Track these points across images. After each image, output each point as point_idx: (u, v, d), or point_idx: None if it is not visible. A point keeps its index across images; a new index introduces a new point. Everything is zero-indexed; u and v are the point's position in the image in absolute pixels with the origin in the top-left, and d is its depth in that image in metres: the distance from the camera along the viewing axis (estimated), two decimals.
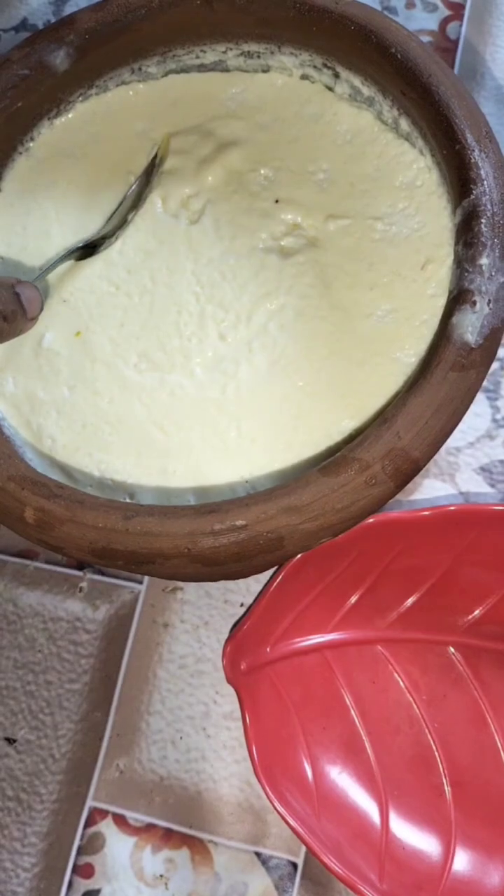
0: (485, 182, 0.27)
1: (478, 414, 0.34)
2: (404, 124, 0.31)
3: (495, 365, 0.35)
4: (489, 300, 0.26)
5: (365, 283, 0.30)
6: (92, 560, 0.27)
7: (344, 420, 0.29)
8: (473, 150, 0.27)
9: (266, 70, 0.33)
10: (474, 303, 0.26)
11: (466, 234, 0.27)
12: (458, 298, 0.27)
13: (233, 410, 0.29)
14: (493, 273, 0.26)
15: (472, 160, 0.27)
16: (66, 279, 0.32)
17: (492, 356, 0.27)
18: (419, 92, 0.29)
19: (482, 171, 0.27)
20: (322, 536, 0.26)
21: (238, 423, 0.29)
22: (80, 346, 0.31)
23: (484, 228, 0.27)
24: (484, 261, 0.26)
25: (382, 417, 0.26)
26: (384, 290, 0.30)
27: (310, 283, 0.30)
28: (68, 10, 0.42)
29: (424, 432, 0.26)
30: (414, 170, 0.31)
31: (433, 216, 0.30)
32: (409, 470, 0.26)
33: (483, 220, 0.27)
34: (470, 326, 0.26)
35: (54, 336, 0.31)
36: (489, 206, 0.27)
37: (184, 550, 0.25)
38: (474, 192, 0.27)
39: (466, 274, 0.27)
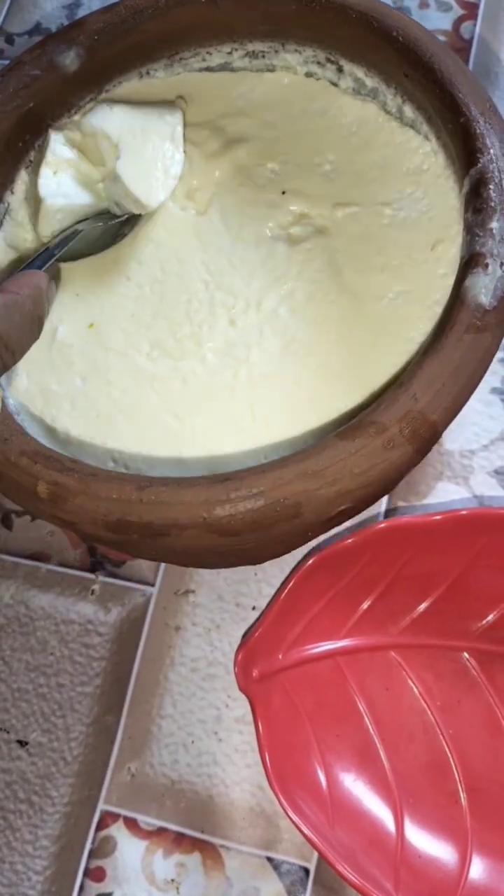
0: (491, 150, 0.27)
1: (492, 416, 0.34)
2: (408, 111, 0.31)
3: None
4: (501, 262, 0.26)
5: (375, 266, 0.30)
6: (106, 535, 0.26)
7: (358, 401, 0.29)
8: (478, 122, 0.28)
9: (272, 70, 0.34)
10: (486, 265, 0.26)
11: (475, 202, 0.27)
12: (469, 262, 0.27)
13: (246, 394, 0.29)
14: None
15: (478, 131, 0.28)
16: (79, 274, 0.32)
17: None
18: (422, 72, 0.29)
19: (488, 141, 0.27)
20: (341, 503, 0.25)
21: (251, 407, 0.29)
22: (93, 338, 0.31)
23: (493, 193, 0.27)
24: (494, 224, 0.26)
25: (399, 381, 0.26)
26: (394, 273, 0.30)
27: (319, 268, 0.30)
28: (82, 14, 0.42)
29: (442, 395, 0.25)
30: (420, 154, 0.31)
31: (441, 198, 0.30)
32: (427, 434, 0.25)
33: (492, 186, 0.27)
34: (483, 288, 0.26)
35: (68, 329, 0.31)
36: (496, 173, 0.27)
37: (199, 520, 0.25)
38: (481, 160, 0.27)
39: (477, 238, 0.27)
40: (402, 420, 0.25)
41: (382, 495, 0.28)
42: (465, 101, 0.28)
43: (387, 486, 0.26)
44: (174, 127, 0.33)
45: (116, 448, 0.30)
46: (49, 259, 0.30)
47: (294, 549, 0.32)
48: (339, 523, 0.31)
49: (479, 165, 0.27)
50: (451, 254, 0.29)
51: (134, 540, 0.26)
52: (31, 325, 0.28)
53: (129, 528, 0.26)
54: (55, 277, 0.32)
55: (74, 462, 0.27)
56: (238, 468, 0.28)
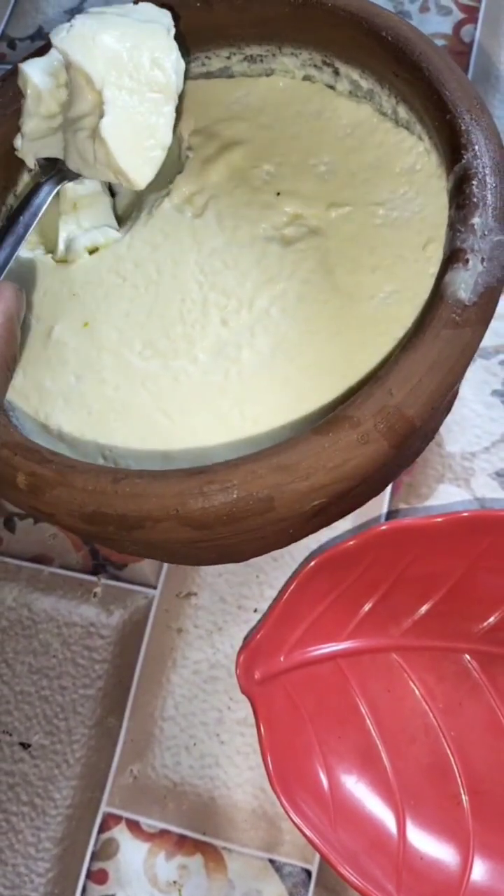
0: (475, 147, 0.27)
1: (493, 419, 0.34)
2: (402, 112, 0.31)
3: None
4: (482, 258, 0.26)
5: (367, 266, 0.30)
6: (83, 527, 0.27)
7: (347, 401, 0.29)
8: (463, 118, 0.28)
9: (269, 74, 0.34)
10: (467, 261, 0.26)
11: (458, 198, 0.27)
12: (450, 258, 0.27)
13: (236, 393, 0.30)
14: (486, 232, 0.26)
15: (463, 127, 0.28)
16: (77, 274, 0.32)
17: (488, 315, 0.26)
18: (410, 70, 0.29)
19: (473, 137, 0.27)
20: (315, 498, 0.25)
21: (241, 406, 0.29)
22: (88, 336, 0.32)
23: (475, 189, 0.27)
24: (476, 220, 0.26)
25: (375, 377, 0.26)
26: (386, 272, 0.30)
27: (311, 268, 0.31)
28: None
29: (418, 390, 0.25)
30: (413, 155, 0.31)
31: (433, 198, 0.30)
32: (403, 429, 0.25)
33: (474, 182, 0.27)
34: (463, 284, 0.26)
35: (63, 328, 0.32)
36: (480, 169, 0.27)
37: (172, 512, 0.25)
38: (465, 156, 0.27)
39: (459, 234, 0.27)
40: (377, 415, 0.25)
41: (360, 491, 0.27)
42: (451, 99, 0.28)
43: (363, 482, 0.26)
44: (169, 45, 0.29)
45: (108, 445, 0.30)
46: (18, 242, 0.29)
47: (278, 546, 0.32)
48: (326, 522, 0.31)
49: (463, 162, 0.27)
50: (441, 253, 0.29)
51: (110, 532, 0.26)
52: (2, 373, 0.27)
53: (105, 519, 0.26)
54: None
55: (54, 454, 0.27)
56: None
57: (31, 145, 0.32)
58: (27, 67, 0.30)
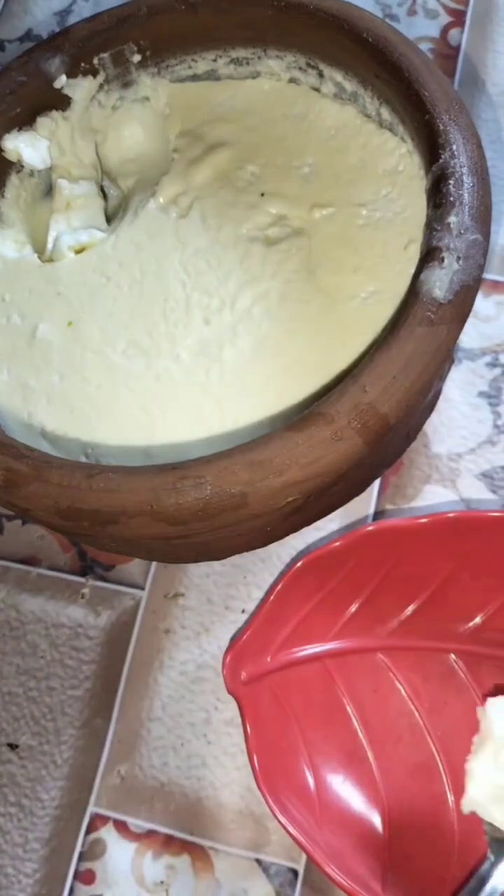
0: (453, 146, 0.28)
1: (480, 420, 0.34)
2: (385, 114, 0.32)
3: (497, 371, 0.35)
4: (458, 257, 0.26)
5: (349, 266, 0.30)
6: (58, 523, 0.27)
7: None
8: (442, 118, 0.28)
9: (255, 76, 0.34)
10: (442, 259, 0.26)
11: (436, 197, 0.28)
12: (426, 257, 0.27)
13: (217, 392, 0.30)
14: (462, 231, 0.26)
15: (441, 127, 0.28)
16: (62, 273, 0.33)
17: (464, 314, 0.27)
18: (390, 70, 0.30)
19: (451, 137, 0.28)
20: (288, 494, 0.25)
21: (222, 404, 0.30)
22: (72, 335, 0.32)
23: (452, 188, 0.27)
24: (452, 219, 0.27)
25: (350, 374, 0.26)
26: (368, 273, 0.30)
27: (294, 268, 0.31)
28: (73, 21, 0.42)
29: (392, 388, 0.25)
30: (396, 156, 0.31)
31: (415, 198, 0.30)
32: (378, 427, 0.25)
33: (451, 181, 0.27)
34: (438, 282, 0.26)
35: (47, 327, 0.32)
36: (457, 169, 0.27)
37: (146, 508, 0.25)
38: (443, 156, 0.28)
39: (435, 233, 0.27)
40: (351, 412, 0.25)
41: (339, 490, 0.27)
42: (429, 99, 0.28)
43: (339, 479, 0.26)
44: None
45: (90, 442, 0.30)
46: None
47: (257, 545, 0.32)
48: (305, 521, 0.31)
49: (441, 161, 0.28)
50: None
51: (85, 527, 0.26)
52: None
53: (80, 515, 0.26)
54: None
55: (30, 450, 0.27)
56: None
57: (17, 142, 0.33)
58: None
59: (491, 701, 0.29)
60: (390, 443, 0.29)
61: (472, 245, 0.26)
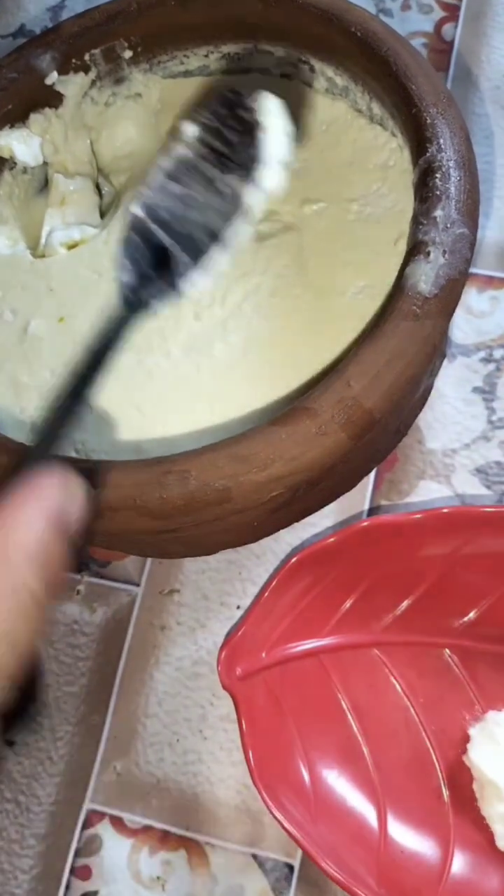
0: (440, 140, 0.27)
1: (474, 415, 0.34)
2: (376, 108, 0.32)
3: (491, 366, 0.35)
4: (444, 251, 0.26)
5: (340, 261, 0.30)
6: None
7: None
8: (429, 112, 0.28)
9: (247, 72, 0.34)
10: (428, 253, 0.26)
11: (423, 190, 0.27)
12: (412, 251, 0.27)
13: (207, 388, 0.30)
14: (448, 225, 0.26)
15: (428, 121, 0.28)
16: (54, 269, 0.33)
17: (450, 308, 0.27)
18: (378, 65, 0.29)
19: (438, 130, 0.28)
20: (273, 489, 0.25)
21: (212, 399, 0.30)
22: (63, 331, 0.32)
23: (439, 182, 0.27)
24: (438, 212, 0.26)
25: (335, 369, 0.26)
26: (358, 268, 0.30)
27: (285, 264, 0.31)
28: (66, 16, 0.42)
29: (377, 382, 0.25)
30: (387, 151, 0.31)
31: (405, 193, 0.30)
32: (362, 421, 0.25)
33: (438, 175, 0.27)
34: (423, 276, 0.26)
35: (39, 323, 0.32)
36: (444, 162, 0.27)
37: (131, 502, 0.25)
38: (430, 149, 0.27)
39: (421, 227, 0.27)
40: (335, 406, 0.25)
41: (327, 486, 0.27)
42: (417, 92, 0.28)
43: (325, 474, 0.26)
44: None
45: (80, 438, 0.30)
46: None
47: (246, 540, 0.32)
48: (293, 516, 0.31)
49: (428, 155, 0.27)
50: None
51: None
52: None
53: None
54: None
55: (14, 443, 0.27)
56: None
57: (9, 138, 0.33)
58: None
59: (469, 747, 0.29)
60: (378, 438, 0.29)
61: (458, 239, 0.26)
